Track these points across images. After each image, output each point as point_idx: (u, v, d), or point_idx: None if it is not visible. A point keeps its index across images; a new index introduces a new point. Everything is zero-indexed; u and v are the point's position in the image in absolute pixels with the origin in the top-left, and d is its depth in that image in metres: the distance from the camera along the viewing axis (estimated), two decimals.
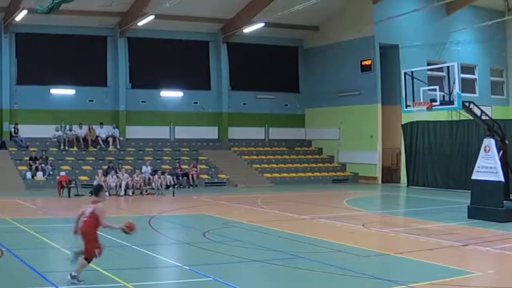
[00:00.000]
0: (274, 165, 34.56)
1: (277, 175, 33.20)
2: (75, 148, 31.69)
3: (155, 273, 11.15)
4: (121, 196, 25.82)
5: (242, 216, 18.51)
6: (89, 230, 9.75)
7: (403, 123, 31.60)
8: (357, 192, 28.06)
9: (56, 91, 32.64)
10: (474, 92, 35.21)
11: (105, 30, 33.51)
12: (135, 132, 33.98)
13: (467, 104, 18.82)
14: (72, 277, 9.61)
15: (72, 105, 32.68)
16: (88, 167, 29.88)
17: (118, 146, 32.63)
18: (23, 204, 21.90)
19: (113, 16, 32.52)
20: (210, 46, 36.15)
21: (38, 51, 31.81)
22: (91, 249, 9.70)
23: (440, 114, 27.38)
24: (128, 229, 10.20)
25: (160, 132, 34.70)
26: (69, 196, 24.56)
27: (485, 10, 35.09)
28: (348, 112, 34.79)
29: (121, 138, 33.11)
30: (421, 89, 19.67)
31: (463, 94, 19.05)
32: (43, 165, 28.85)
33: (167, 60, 34.50)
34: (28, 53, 31.77)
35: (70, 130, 32.10)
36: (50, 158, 29.62)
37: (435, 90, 19.57)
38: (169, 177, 28.81)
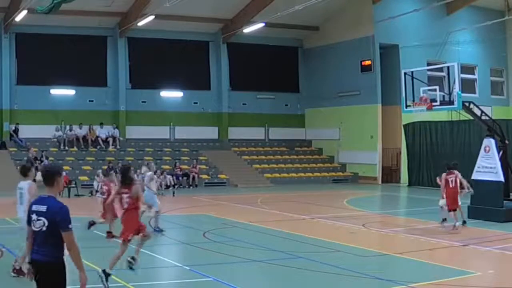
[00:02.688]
0: (274, 165, 34.55)
1: (277, 175, 33.19)
2: (75, 148, 31.70)
3: (155, 273, 11.14)
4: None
5: (242, 216, 18.50)
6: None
7: (404, 123, 31.61)
8: (357, 192, 28.05)
9: (56, 91, 32.64)
10: (474, 92, 35.21)
11: (105, 30, 33.51)
12: (135, 132, 33.99)
13: (467, 104, 18.82)
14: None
15: (72, 105, 32.68)
16: (88, 167, 29.88)
17: (118, 146, 32.64)
18: None
19: (113, 16, 32.53)
20: (210, 46, 36.15)
21: (38, 51, 31.81)
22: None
23: (440, 114, 27.39)
24: None
25: (160, 132, 34.69)
26: (69, 196, 24.59)
27: (485, 10, 35.08)
28: (348, 112, 34.78)
29: (121, 138, 33.12)
30: (421, 89, 19.68)
31: (463, 94, 19.06)
32: (46, 161, 28.82)
33: (167, 60, 34.49)
34: (28, 53, 31.76)
35: (70, 130, 32.10)
36: (50, 158, 29.59)
37: (435, 90, 19.58)
38: (169, 177, 28.82)
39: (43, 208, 5.94)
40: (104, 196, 14.66)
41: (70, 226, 5.89)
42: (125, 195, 10.15)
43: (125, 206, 10.15)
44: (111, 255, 9.80)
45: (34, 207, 6.03)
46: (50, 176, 6.06)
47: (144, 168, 16.39)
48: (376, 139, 33.33)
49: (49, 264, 5.90)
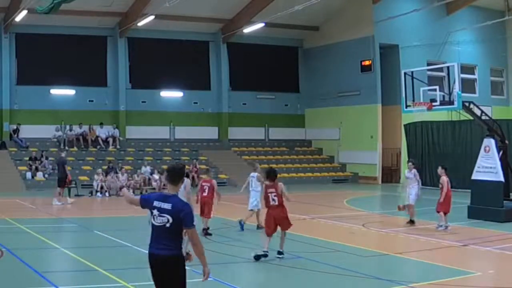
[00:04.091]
0: (274, 165, 34.41)
1: None
2: (75, 148, 31.69)
3: None
4: (121, 196, 25.79)
5: (242, 216, 18.46)
6: None
7: (404, 123, 31.59)
8: (357, 192, 28.04)
9: (56, 91, 32.63)
10: (474, 92, 35.21)
11: (105, 30, 33.50)
12: (135, 132, 33.97)
13: (467, 104, 18.83)
14: None
15: (72, 105, 32.66)
16: (88, 167, 29.87)
17: (118, 146, 32.64)
18: (23, 204, 21.88)
19: (113, 16, 32.52)
20: (210, 46, 36.15)
21: (38, 51, 31.79)
22: None
23: (441, 114, 27.37)
24: None
25: (160, 132, 34.69)
26: (69, 196, 24.53)
27: (485, 10, 35.10)
28: (348, 112, 34.78)
29: (121, 138, 33.11)
30: (421, 89, 19.68)
31: (463, 94, 19.06)
32: (46, 161, 28.83)
33: (167, 60, 34.48)
34: (28, 53, 31.75)
35: (70, 130, 32.10)
36: (51, 158, 29.59)
37: (435, 90, 19.59)
38: None
39: (167, 206, 6.28)
40: (205, 194, 15.09)
41: (194, 223, 6.28)
42: (272, 194, 11.62)
43: (273, 203, 11.66)
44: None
45: (156, 203, 6.35)
46: (178, 176, 6.50)
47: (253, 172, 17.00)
48: (376, 139, 33.33)
49: (172, 258, 6.26)
